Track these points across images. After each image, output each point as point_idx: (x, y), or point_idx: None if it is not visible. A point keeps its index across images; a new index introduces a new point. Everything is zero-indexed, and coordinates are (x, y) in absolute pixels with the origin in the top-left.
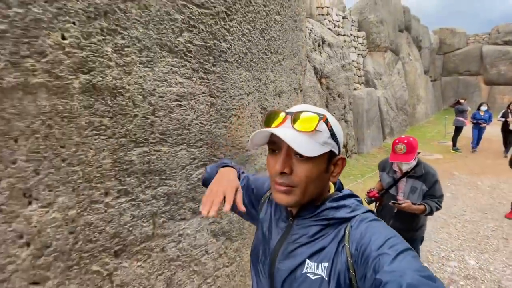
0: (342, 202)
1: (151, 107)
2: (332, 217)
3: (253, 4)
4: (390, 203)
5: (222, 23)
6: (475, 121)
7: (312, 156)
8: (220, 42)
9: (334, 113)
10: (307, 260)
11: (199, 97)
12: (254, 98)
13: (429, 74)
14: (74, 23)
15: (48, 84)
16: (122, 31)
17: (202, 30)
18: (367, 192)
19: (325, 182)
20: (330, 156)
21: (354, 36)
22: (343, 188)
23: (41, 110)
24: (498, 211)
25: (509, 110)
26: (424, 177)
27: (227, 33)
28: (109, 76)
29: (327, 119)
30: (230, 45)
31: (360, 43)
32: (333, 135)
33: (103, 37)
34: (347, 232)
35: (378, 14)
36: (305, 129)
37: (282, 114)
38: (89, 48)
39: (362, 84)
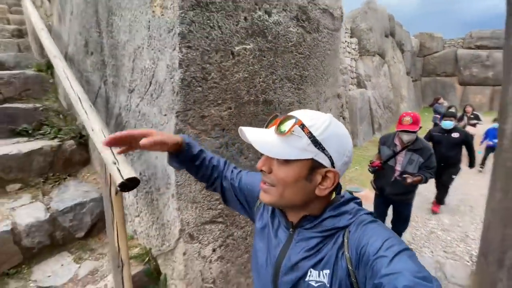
0: (342, 209)
1: (280, 110)
2: (332, 227)
3: (319, 47)
4: (398, 177)
5: (308, 60)
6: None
7: (280, 158)
8: (306, 72)
9: (331, 110)
10: (310, 269)
11: (295, 103)
12: (315, 103)
13: (410, 75)
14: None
15: (254, 100)
16: (275, 72)
17: (300, 66)
18: (370, 163)
19: (307, 191)
20: (314, 165)
21: (348, 43)
22: (340, 191)
23: (251, 112)
24: (467, 187)
25: (465, 114)
26: (421, 150)
27: (308, 66)
28: (270, 95)
29: (302, 124)
30: (309, 73)
31: (353, 49)
32: (315, 142)
33: (271, 76)
34: (345, 239)
35: (368, 22)
36: (280, 132)
37: (277, 118)
38: (265, 83)
39: (354, 85)
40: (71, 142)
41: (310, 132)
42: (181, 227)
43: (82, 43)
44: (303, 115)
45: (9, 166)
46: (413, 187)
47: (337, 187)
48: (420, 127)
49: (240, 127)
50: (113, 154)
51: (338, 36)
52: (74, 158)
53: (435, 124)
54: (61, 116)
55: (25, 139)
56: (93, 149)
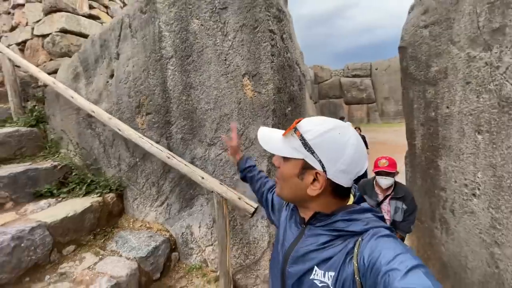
0: (355, 216)
1: None
2: (342, 229)
3: (303, 97)
4: None
5: (301, 108)
6: None
7: (274, 153)
8: (302, 115)
9: None
10: (315, 267)
11: None
12: None
13: (312, 99)
14: None
15: None
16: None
17: (300, 114)
18: None
19: (299, 188)
20: (305, 166)
21: None
22: (362, 202)
23: None
24: None
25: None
26: (404, 197)
27: (304, 112)
28: None
29: (295, 128)
30: (303, 115)
31: None
32: (305, 145)
33: None
34: (356, 245)
35: None
36: (283, 133)
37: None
38: None
39: None
40: (112, 195)
41: (301, 135)
42: (269, 239)
43: (133, 104)
44: (309, 121)
45: (67, 228)
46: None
47: (357, 197)
48: (397, 172)
49: (261, 127)
50: (236, 193)
51: (305, 88)
52: (114, 210)
53: None
54: (86, 171)
55: (52, 200)
56: (132, 199)
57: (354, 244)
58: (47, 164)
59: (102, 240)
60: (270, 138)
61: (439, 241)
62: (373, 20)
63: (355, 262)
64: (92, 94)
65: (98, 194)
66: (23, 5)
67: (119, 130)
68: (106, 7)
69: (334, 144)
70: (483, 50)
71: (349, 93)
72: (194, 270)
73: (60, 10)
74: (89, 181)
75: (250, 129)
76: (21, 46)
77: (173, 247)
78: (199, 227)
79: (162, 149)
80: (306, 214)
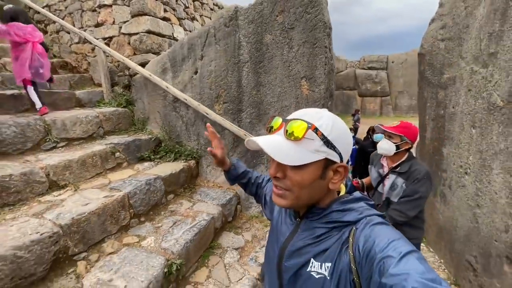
0: (349, 206)
1: None
2: (337, 220)
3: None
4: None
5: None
6: None
7: (296, 165)
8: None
9: None
10: (312, 259)
11: None
12: None
13: None
14: None
15: None
16: None
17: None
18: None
19: (321, 188)
20: (327, 163)
21: None
22: (354, 191)
23: None
24: None
25: (369, 136)
26: (408, 174)
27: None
28: None
29: (316, 128)
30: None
31: None
32: (327, 143)
33: None
34: (351, 235)
35: None
36: (293, 138)
37: (279, 121)
38: None
39: None
40: (193, 161)
41: (323, 134)
42: None
43: (213, 95)
44: (307, 115)
45: (171, 181)
46: (411, 224)
47: (348, 187)
48: (410, 147)
49: (250, 138)
50: None
51: None
52: (194, 173)
53: (356, 130)
54: (172, 143)
55: (152, 163)
56: (206, 166)
57: (349, 234)
58: (145, 136)
59: (189, 193)
60: (281, 148)
61: (437, 211)
62: (391, 8)
63: (350, 252)
64: (178, 85)
65: (184, 160)
66: (109, 5)
67: (207, 113)
68: (174, 9)
69: (343, 132)
70: (482, 67)
71: (363, 85)
72: (254, 218)
73: (145, 14)
74: (176, 150)
75: None
76: (107, 41)
77: (238, 201)
78: None
79: (239, 129)
80: (302, 208)
